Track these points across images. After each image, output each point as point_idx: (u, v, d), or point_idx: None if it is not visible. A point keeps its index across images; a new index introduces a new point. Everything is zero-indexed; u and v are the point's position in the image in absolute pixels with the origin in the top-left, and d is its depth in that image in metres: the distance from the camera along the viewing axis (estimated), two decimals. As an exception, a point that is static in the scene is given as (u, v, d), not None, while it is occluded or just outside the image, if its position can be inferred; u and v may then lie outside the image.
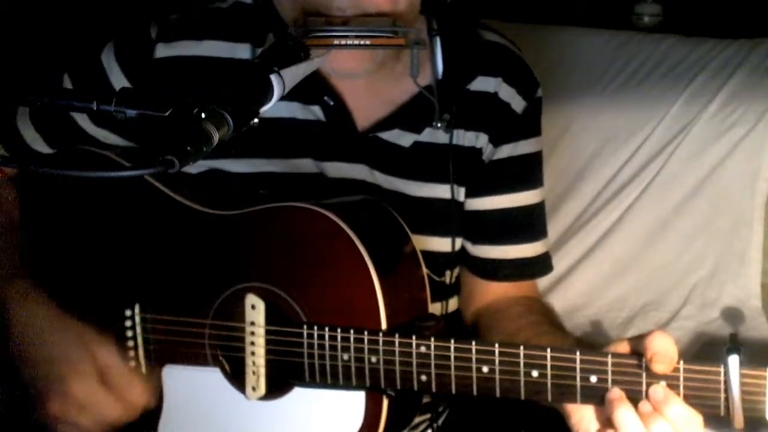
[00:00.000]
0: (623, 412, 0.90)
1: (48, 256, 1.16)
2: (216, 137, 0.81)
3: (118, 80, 1.17)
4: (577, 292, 1.59)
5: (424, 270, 1.10)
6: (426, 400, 1.22)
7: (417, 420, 1.23)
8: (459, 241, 1.22)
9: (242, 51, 1.16)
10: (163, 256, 1.11)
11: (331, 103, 1.15)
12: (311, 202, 1.04)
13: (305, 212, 1.03)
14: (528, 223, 1.25)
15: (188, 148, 0.78)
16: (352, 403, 1.03)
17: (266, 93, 0.89)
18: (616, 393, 0.92)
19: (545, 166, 1.27)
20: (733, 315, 1.54)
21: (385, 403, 1.02)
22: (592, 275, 1.61)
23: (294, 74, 0.94)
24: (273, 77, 0.90)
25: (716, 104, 1.61)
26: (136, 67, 1.17)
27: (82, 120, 1.20)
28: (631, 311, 1.58)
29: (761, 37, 1.68)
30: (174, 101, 0.83)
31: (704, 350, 1.48)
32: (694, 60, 1.67)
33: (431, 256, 1.11)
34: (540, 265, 1.27)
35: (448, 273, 1.24)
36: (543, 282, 1.54)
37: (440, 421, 1.29)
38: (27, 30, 1.86)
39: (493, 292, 1.26)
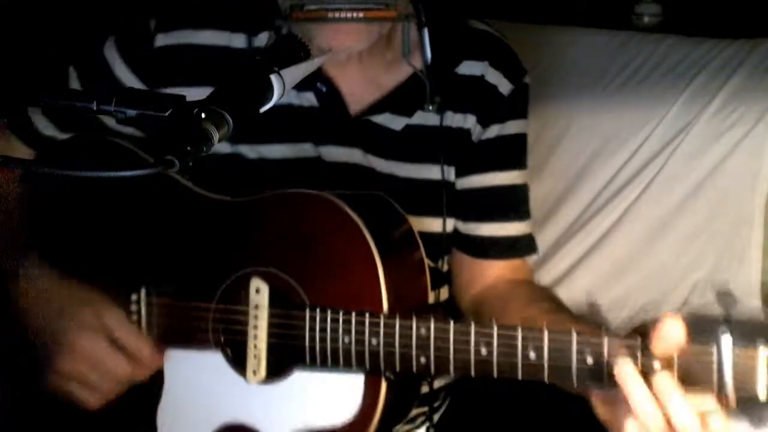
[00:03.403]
0: (631, 385, 0.87)
1: (55, 241, 1.17)
2: (216, 137, 0.82)
3: (122, 71, 1.20)
4: (577, 292, 1.59)
5: (424, 255, 1.12)
6: (424, 390, 1.23)
7: (414, 413, 1.23)
8: (450, 223, 1.24)
9: (238, 40, 1.18)
10: (169, 241, 1.13)
11: (324, 89, 1.18)
12: (322, 192, 1.06)
13: (310, 198, 1.05)
14: (514, 202, 1.27)
15: (188, 148, 0.79)
16: (351, 386, 1.04)
17: (266, 93, 0.90)
18: (625, 368, 0.88)
19: (545, 165, 1.28)
20: (733, 314, 1.54)
21: (384, 386, 1.03)
22: (592, 275, 1.61)
23: (294, 74, 0.94)
24: (273, 77, 0.90)
25: (716, 104, 1.61)
26: (138, 58, 1.19)
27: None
28: (631, 311, 1.58)
29: (761, 37, 1.68)
30: (174, 101, 0.83)
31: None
32: (694, 60, 1.67)
33: (425, 237, 1.13)
34: (526, 244, 1.29)
35: (440, 260, 1.26)
36: (543, 281, 1.55)
37: (437, 416, 1.30)
38: (30, 26, 1.86)
39: (490, 273, 1.27)
